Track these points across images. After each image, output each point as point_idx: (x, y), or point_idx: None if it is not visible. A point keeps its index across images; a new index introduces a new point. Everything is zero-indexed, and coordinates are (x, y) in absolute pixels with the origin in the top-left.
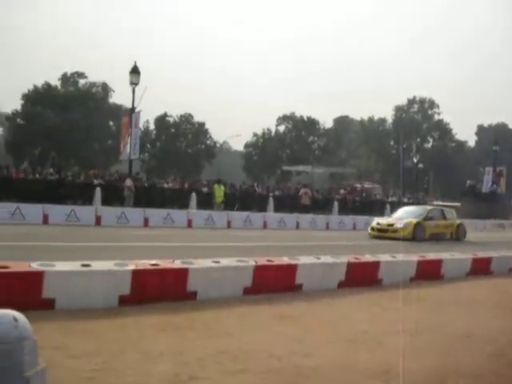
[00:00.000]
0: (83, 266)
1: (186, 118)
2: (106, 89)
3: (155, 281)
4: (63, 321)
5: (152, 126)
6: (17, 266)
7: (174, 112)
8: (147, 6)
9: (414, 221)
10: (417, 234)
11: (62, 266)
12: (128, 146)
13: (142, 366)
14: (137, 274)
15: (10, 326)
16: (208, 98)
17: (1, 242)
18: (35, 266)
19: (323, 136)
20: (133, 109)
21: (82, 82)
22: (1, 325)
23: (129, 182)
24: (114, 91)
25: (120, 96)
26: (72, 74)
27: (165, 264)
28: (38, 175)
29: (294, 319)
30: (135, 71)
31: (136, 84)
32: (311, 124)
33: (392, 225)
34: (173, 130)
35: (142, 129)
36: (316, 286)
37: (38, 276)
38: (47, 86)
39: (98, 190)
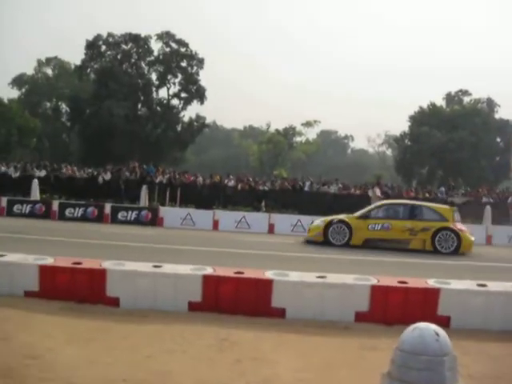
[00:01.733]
0: (479, 285)
1: None
2: (490, 104)
3: None
4: (458, 340)
5: None
6: (415, 283)
7: None
8: None
9: (329, 218)
10: (333, 237)
11: (457, 284)
12: None
13: None
14: None
15: (432, 340)
16: None
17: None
18: (431, 283)
19: None
20: None
21: (466, 99)
22: (423, 337)
23: None
24: (499, 106)
25: (506, 111)
26: (456, 93)
27: None
28: (427, 194)
29: None
30: None
31: None
32: None
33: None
34: None
35: None
36: None
37: (434, 293)
38: (432, 106)
39: (488, 209)
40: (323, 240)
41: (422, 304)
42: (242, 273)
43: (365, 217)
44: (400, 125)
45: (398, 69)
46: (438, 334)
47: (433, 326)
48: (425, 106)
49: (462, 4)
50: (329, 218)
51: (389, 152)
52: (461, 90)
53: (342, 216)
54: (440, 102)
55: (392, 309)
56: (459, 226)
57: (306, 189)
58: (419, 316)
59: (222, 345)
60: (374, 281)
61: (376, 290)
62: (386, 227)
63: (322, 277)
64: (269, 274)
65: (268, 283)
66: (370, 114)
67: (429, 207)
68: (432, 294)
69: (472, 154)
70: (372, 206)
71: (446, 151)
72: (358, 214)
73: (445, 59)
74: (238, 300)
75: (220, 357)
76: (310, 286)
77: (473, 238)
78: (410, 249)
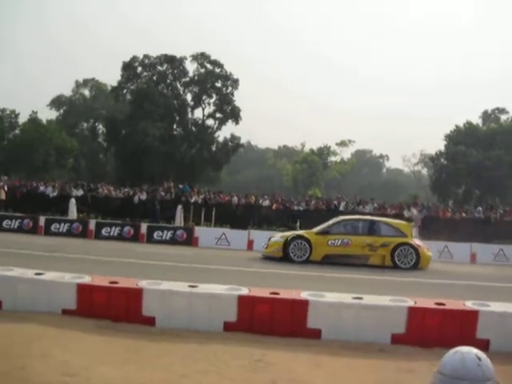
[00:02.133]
0: None
1: None
2: None
3: None
4: (499, 364)
5: None
6: (452, 305)
7: None
8: None
9: (289, 234)
10: (294, 253)
11: (496, 306)
12: None
13: None
14: None
15: (473, 364)
16: None
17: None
18: (469, 305)
19: None
20: None
21: (503, 117)
22: (464, 361)
23: None
24: None
25: None
26: (493, 111)
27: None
28: (464, 214)
29: None
30: None
31: None
32: None
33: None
34: None
35: None
36: None
37: (472, 315)
38: (469, 124)
39: None
40: (282, 256)
41: (459, 326)
42: (277, 293)
43: (324, 232)
44: (436, 144)
45: (434, 87)
46: (479, 359)
47: (475, 350)
48: (461, 124)
49: (501, 24)
50: (287, 233)
51: (424, 171)
52: (497, 108)
53: (301, 232)
54: (476, 120)
55: (429, 331)
56: (417, 241)
57: (341, 209)
58: (457, 339)
59: (257, 365)
60: (410, 302)
61: (413, 312)
62: (345, 243)
63: (358, 298)
64: (304, 295)
65: (304, 304)
66: (405, 133)
67: (387, 223)
68: (470, 317)
69: (509, 173)
70: (331, 221)
71: (483, 170)
72: (317, 229)
73: (483, 75)
74: (273, 320)
75: (255, 377)
76: (346, 307)
77: (430, 254)
78: (369, 264)
